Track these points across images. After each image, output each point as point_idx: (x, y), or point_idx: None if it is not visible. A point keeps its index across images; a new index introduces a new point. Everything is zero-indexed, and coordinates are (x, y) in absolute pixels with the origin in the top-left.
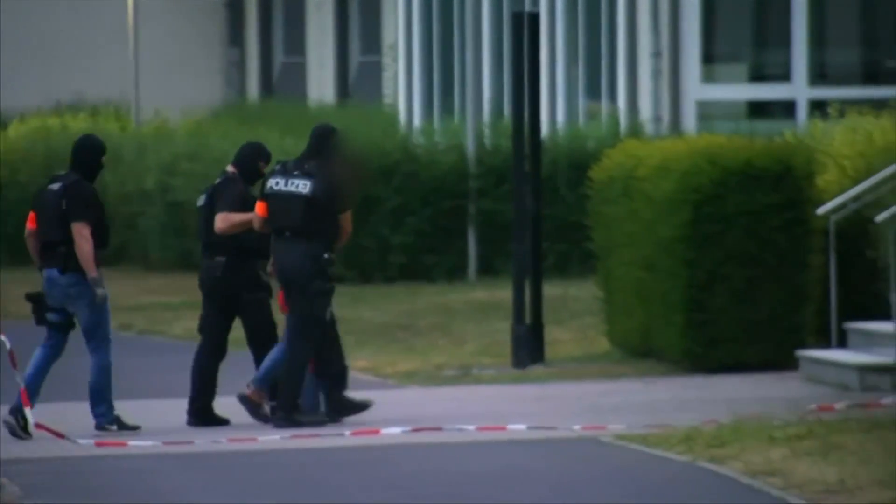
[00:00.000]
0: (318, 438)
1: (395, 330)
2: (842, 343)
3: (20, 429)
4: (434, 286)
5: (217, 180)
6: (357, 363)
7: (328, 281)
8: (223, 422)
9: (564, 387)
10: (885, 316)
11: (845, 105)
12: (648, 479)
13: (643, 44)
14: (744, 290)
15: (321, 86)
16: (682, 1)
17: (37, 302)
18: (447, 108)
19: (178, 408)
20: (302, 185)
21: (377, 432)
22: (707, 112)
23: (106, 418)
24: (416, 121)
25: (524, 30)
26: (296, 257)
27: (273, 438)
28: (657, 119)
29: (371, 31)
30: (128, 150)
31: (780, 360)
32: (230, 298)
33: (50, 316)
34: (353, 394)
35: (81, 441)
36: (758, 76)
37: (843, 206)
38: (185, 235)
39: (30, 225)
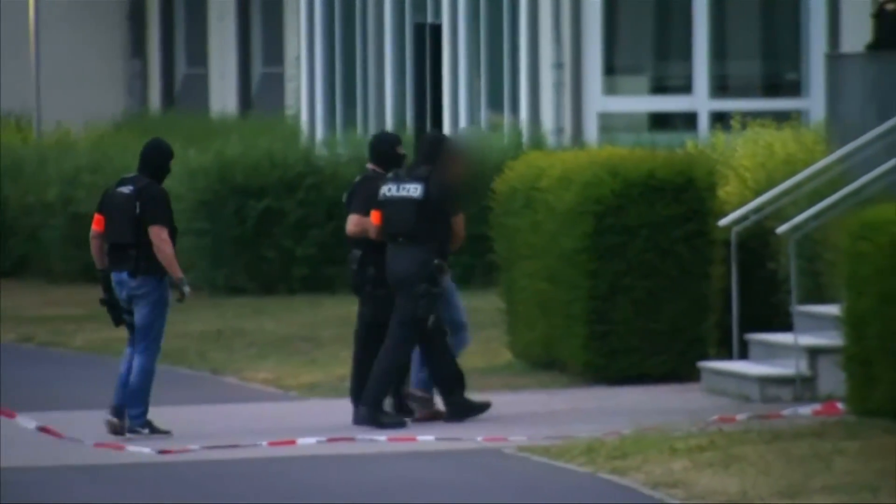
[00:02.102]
0: (236, 449)
1: (298, 342)
2: (743, 354)
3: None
4: (337, 298)
5: (357, 178)
6: (259, 375)
7: (436, 286)
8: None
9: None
10: (786, 327)
11: (746, 117)
12: (550, 490)
13: (545, 55)
14: (645, 302)
15: (223, 97)
16: (583, 13)
17: (111, 305)
18: (350, 120)
19: (83, 419)
20: (413, 189)
21: (293, 443)
22: (609, 124)
23: (139, 421)
24: (319, 132)
25: (426, 41)
26: (407, 262)
27: (192, 449)
28: (559, 131)
29: (273, 42)
30: (29, 161)
31: (681, 372)
32: (361, 289)
33: (126, 317)
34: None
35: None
36: (659, 88)
37: (744, 217)
38: (88, 247)
39: (95, 227)
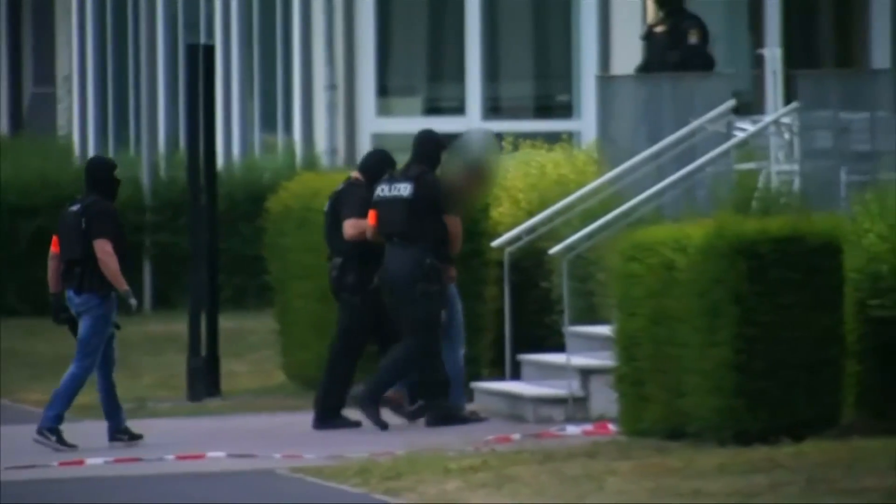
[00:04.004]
0: (30, 470)
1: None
2: (516, 375)
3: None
4: None
5: (339, 187)
6: (31, 396)
7: (434, 284)
8: (353, 424)
9: (241, 419)
10: (559, 348)
11: (519, 138)
12: None
13: (318, 77)
14: None
15: None
16: (357, 35)
17: (70, 322)
18: (122, 141)
19: None
20: (403, 189)
21: (82, 463)
22: (383, 145)
23: (49, 424)
24: (91, 153)
25: (199, 62)
26: (401, 262)
27: None
28: (333, 151)
29: (44, 62)
30: None
31: None
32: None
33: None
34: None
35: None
36: (432, 109)
37: (517, 238)
38: None
39: (53, 248)
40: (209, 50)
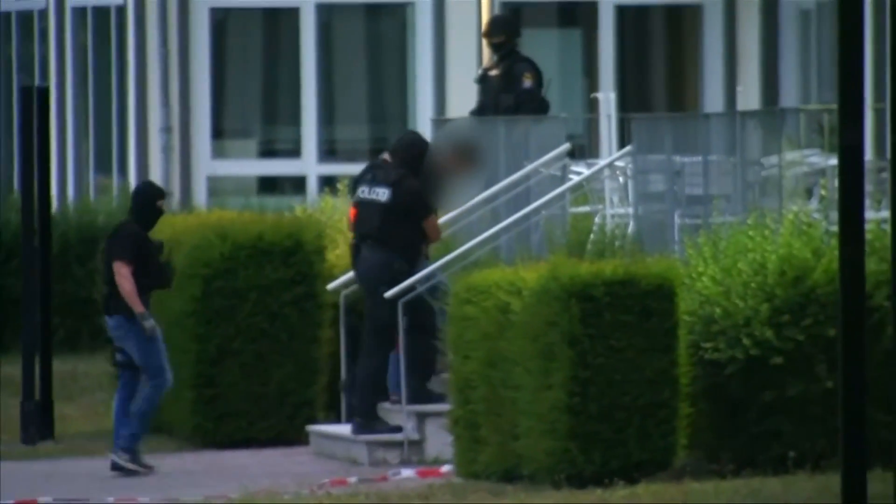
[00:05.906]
0: None
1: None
2: (352, 417)
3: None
4: None
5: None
6: None
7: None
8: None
9: (74, 463)
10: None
11: None
12: None
13: (153, 119)
14: (254, 365)
15: None
16: (192, 77)
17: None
18: None
19: None
20: (381, 194)
21: None
22: (218, 187)
23: (124, 442)
24: None
25: (34, 104)
26: (370, 264)
27: None
28: (168, 194)
29: None
30: None
31: (290, 435)
32: None
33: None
34: None
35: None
36: (268, 152)
37: (353, 281)
38: None
39: None
40: (44, 92)
